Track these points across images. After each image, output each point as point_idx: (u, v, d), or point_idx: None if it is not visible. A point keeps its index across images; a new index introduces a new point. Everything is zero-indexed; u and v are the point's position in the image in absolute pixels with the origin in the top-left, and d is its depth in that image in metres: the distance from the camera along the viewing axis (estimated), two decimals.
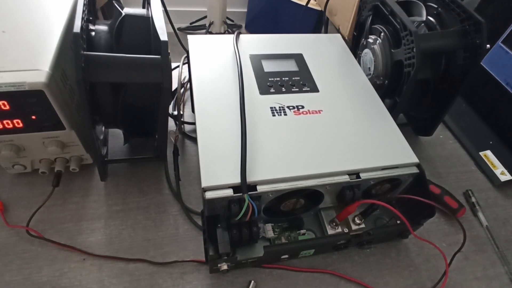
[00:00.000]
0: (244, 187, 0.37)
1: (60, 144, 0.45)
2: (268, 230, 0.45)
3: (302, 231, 0.46)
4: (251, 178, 0.38)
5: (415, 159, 0.43)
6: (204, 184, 0.37)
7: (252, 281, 0.43)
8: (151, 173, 0.54)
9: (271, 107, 0.46)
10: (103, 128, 0.53)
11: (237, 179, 0.37)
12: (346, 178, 0.41)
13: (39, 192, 0.49)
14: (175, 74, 0.62)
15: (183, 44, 0.63)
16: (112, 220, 0.48)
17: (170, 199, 0.51)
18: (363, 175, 0.41)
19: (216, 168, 0.39)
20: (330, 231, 0.45)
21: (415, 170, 0.43)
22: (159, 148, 0.49)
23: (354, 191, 0.42)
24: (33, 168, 0.49)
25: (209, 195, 0.37)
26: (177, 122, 0.57)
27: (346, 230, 0.45)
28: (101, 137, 0.51)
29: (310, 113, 0.46)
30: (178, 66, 0.64)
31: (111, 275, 0.43)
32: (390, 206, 0.40)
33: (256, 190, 0.38)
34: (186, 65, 0.59)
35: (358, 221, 0.45)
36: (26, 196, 0.49)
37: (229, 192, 0.37)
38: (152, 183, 0.53)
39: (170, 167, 0.54)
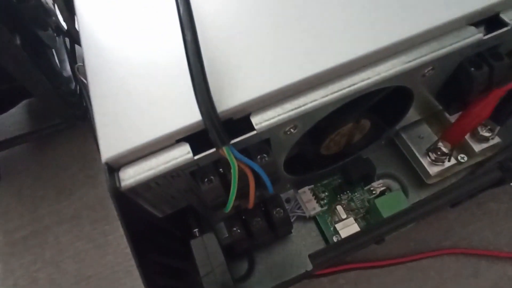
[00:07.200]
0: (213, 124, 0.12)
1: None
2: (307, 202, 0.21)
3: (376, 184, 0.22)
4: (228, 101, 0.13)
5: None
6: (105, 154, 0.13)
7: None
8: (72, 152, 0.30)
9: None
10: None
11: (191, 117, 0.13)
12: (471, 34, 0.16)
13: None
14: None
15: None
16: (17, 258, 0.25)
17: None
18: None
19: (137, 105, 0.14)
20: (435, 169, 0.21)
21: None
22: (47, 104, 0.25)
23: (489, 63, 0.17)
24: None
25: (129, 176, 0.13)
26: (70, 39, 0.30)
27: (464, 159, 0.22)
28: None
29: None
30: None
31: None
32: None
33: (252, 128, 0.14)
34: None
35: (486, 134, 0.21)
36: None
37: (182, 153, 0.13)
38: (77, 169, 0.29)
39: None
